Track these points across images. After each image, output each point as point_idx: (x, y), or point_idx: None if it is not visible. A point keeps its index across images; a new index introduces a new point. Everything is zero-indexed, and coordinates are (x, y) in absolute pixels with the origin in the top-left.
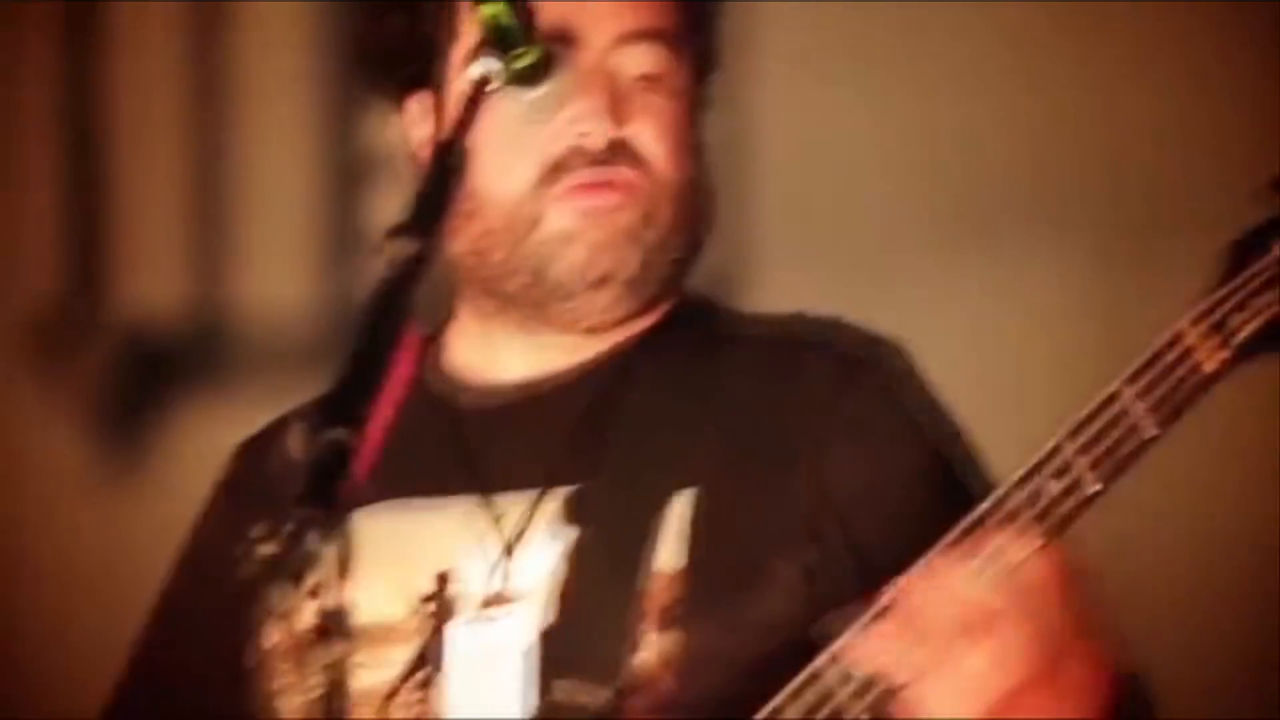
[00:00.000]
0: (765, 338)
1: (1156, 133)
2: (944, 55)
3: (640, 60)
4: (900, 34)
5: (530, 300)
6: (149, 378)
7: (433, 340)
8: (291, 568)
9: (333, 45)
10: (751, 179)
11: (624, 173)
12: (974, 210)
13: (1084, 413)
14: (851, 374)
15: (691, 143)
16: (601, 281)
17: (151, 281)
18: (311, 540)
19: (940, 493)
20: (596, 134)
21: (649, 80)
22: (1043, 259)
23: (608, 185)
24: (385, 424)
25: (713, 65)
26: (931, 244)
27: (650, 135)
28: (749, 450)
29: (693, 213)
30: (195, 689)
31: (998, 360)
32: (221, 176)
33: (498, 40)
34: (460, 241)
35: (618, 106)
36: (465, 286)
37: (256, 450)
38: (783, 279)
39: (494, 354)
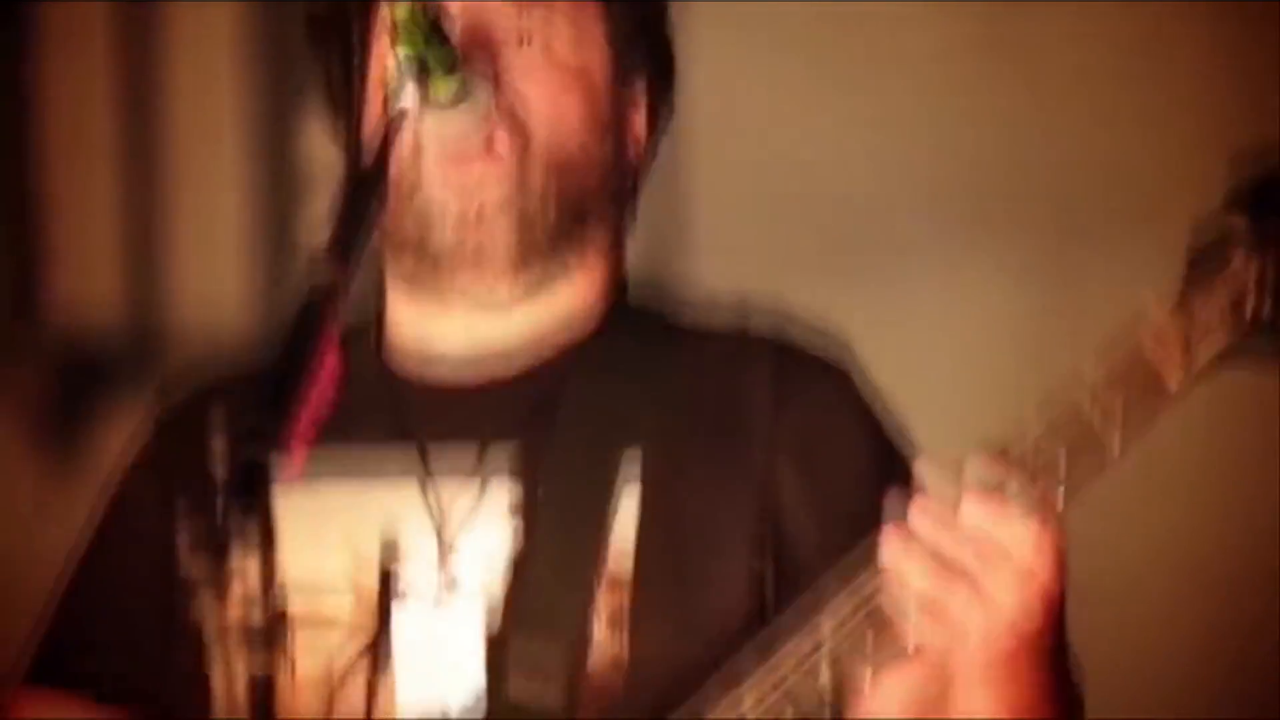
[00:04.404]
0: (710, 334)
1: (1107, 132)
2: (894, 54)
3: (516, 18)
4: (850, 31)
5: (426, 272)
6: (85, 382)
7: (365, 328)
8: (219, 550)
9: (270, 53)
10: (695, 172)
11: (496, 132)
12: (922, 207)
13: (1104, 367)
14: (795, 376)
15: (600, 121)
16: (477, 256)
17: (87, 286)
18: (238, 526)
19: (885, 496)
20: None
21: (533, 43)
22: (988, 261)
23: (481, 155)
24: (308, 438)
25: (652, 63)
26: (878, 240)
27: (526, 97)
28: (695, 453)
29: (587, 186)
30: (120, 648)
31: (941, 359)
32: (156, 183)
33: (417, 73)
34: None
35: (489, 63)
36: (387, 260)
37: (178, 431)
38: (725, 273)
39: (432, 339)
